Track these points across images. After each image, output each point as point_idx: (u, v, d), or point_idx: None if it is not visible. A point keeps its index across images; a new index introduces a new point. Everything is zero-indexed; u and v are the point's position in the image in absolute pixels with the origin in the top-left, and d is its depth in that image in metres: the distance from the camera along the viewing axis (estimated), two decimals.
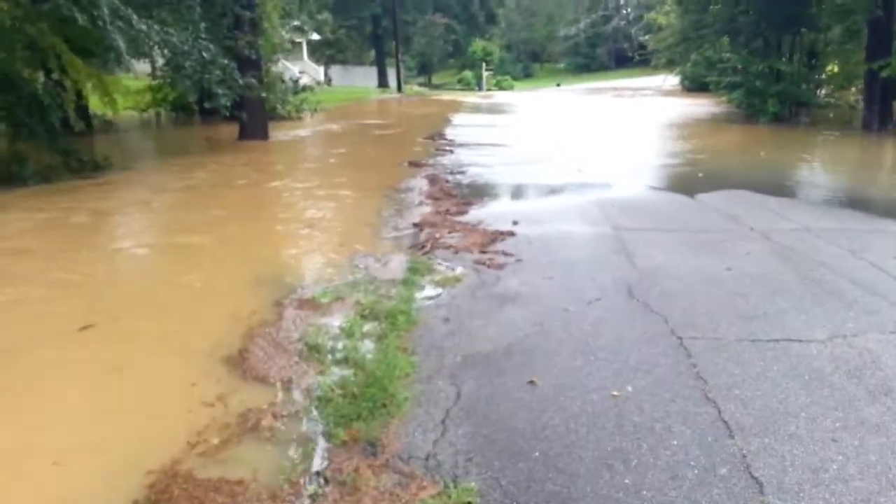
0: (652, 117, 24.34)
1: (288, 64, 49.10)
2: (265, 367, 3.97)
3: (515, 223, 7.64)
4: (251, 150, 14.47)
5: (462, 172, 11.51)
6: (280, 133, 17.72)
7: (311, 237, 7.34)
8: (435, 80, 63.48)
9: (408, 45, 60.29)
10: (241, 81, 13.03)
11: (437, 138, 16.74)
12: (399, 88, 44.36)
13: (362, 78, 56.04)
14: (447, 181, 10.63)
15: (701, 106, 28.82)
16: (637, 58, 70.63)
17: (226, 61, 12.69)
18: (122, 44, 9.71)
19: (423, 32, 58.04)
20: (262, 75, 15.75)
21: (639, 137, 17.92)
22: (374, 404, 3.42)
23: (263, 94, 14.24)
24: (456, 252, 6.43)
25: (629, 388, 3.67)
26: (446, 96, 40.18)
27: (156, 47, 11.16)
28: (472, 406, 3.48)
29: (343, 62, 57.84)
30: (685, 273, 5.77)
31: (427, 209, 8.49)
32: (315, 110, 20.28)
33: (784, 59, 22.20)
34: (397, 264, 6.07)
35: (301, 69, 50.84)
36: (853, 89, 24.05)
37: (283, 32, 20.69)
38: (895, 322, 4.65)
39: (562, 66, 73.61)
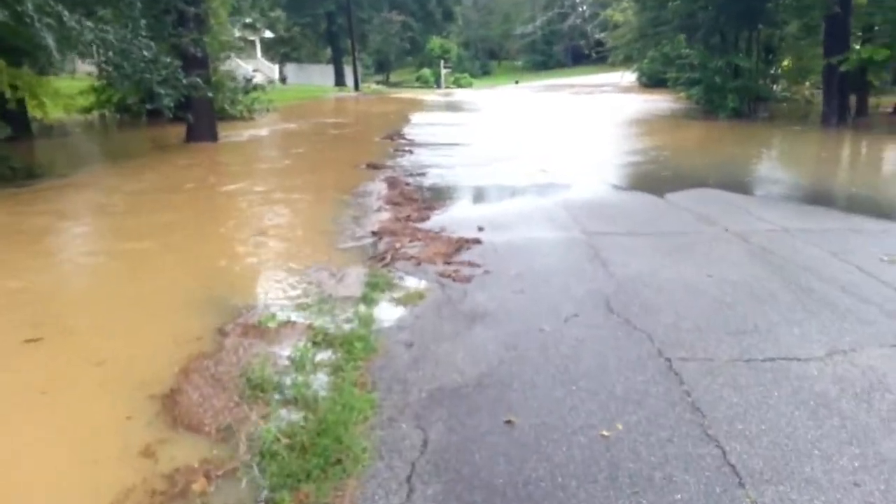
0: (612, 114, 24.20)
1: (241, 62, 48.07)
2: (200, 411, 3.41)
3: (480, 229, 7.18)
4: (198, 153, 13.72)
5: (422, 174, 11.01)
6: (231, 133, 16.96)
7: (261, 247, 6.74)
8: (393, 77, 62.80)
9: (364, 42, 59.51)
10: (184, 81, 12.27)
11: (396, 138, 16.19)
12: (356, 87, 43.59)
13: (319, 76, 55.08)
14: (407, 184, 10.11)
15: (659, 102, 28.88)
16: (594, 55, 71.54)
17: (168, 60, 11.93)
18: (51, 42, 8.92)
19: (379, 30, 57.32)
20: (208, 74, 14.97)
21: (601, 134, 17.66)
22: (326, 460, 2.90)
23: (210, 94, 13.45)
24: (418, 263, 5.93)
25: (619, 426, 3.22)
26: (405, 94, 39.60)
27: (92, 46, 10.33)
28: (442, 457, 2.98)
29: (298, 60, 56.74)
30: (664, 282, 5.37)
31: (386, 215, 7.96)
32: (267, 110, 19.46)
33: (741, 54, 22.25)
34: (354, 279, 5.54)
35: (255, 68, 49.76)
36: (808, 84, 24.31)
37: (234, 30, 19.82)
38: (895, 333, 4.32)
39: (519, 63, 73.68)
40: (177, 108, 14.98)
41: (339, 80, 51.45)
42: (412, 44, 60.31)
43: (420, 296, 5.09)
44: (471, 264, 5.89)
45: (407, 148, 14.31)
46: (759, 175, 11.75)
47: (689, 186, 9.87)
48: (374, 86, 54.33)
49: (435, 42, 59.83)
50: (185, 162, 12.68)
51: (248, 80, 20.38)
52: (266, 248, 6.71)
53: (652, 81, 36.59)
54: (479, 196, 9.48)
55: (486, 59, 78.33)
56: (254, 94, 19.68)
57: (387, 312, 4.80)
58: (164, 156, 13.54)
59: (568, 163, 12.55)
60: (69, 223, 8.04)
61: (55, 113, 17.15)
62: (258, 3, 35.85)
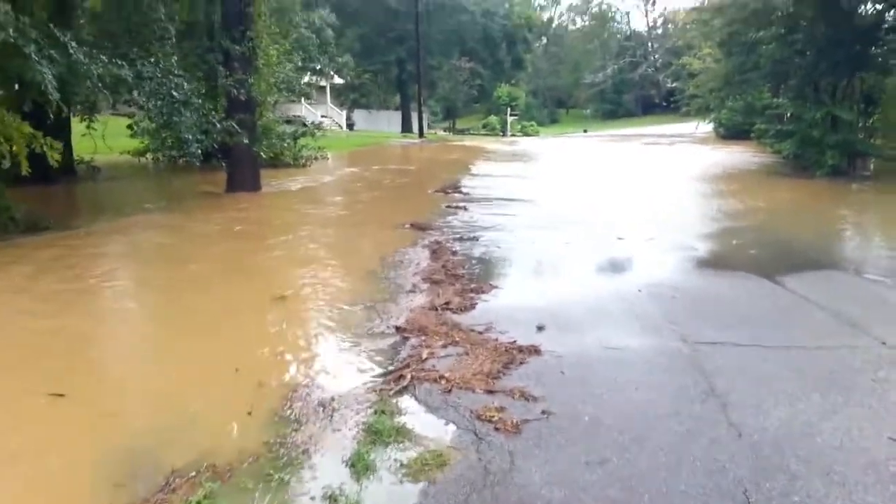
0: (691, 168, 22.02)
1: (309, 108, 48.39)
2: None
3: (540, 328, 5.37)
4: (233, 205, 12.42)
5: (474, 239, 9.29)
6: (278, 182, 15.76)
7: (241, 354, 5.10)
8: (460, 124, 62.14)
9: (433, 89, 59.28)
10: (218, 125, 11.04)
11: (451, 191, 14.60)
12: (421, 133, 42.72)
13: (386, 122, 54.91)
14: (454, 252, 8.40)
15: (742, 155, 26.45)
16: (665, 104, 69.59)
17: (199, 101, 10.72)
18: (49, 76, 7.72)
19: (447, 77, 56.93)
20: (253, 119, 13.80)
21: (682, 193, 15.59)
22: None
23: (246, 140, 12.21)
24: (448, 390, 4.15)
25: None
26: (469, 142, 38.36)
27: (107, 83, 9.19)
28: None
29: (366, 106, 56.79)
30: (830, 451, 3.41)
31: (420, 299, 6.24)
32: (316, 158, 18.23)
33: (839, 105, 19.89)
34: (352, 417, 3.80)
35: (323, 113, 50.04)
36: None
37: (291, 72, 18.86)
38: None
39: (587, 112, 72.12)
40: (218, 156, 14.04)
41: (406, 127, 50.93)
42: (480, 91, 59.65)
43: (441, 463, 3.29)
44: (524, 395, 4.08)
45: (461, 204, 12.66)
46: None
47: (807, 267, 7.81)
48: (440, 133, 53.64)
49: (503, 90, 58.94)
50: (216, 216, 11.37)
51: (304, 125, 19.19)
52: (245, 357, 5.00)
53: (730, 133, 34.30)
54: (539, 273, 7.64)
55: (554, 107, 77.26)
56: (303, 141, 18.52)
57: (381, 497, 3.01)
58: (196, 207, 12.30)
59: (648, 228, 10.61)
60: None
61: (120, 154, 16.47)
62: (327, 49, 35.59)
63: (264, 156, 15.56)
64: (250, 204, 12.76)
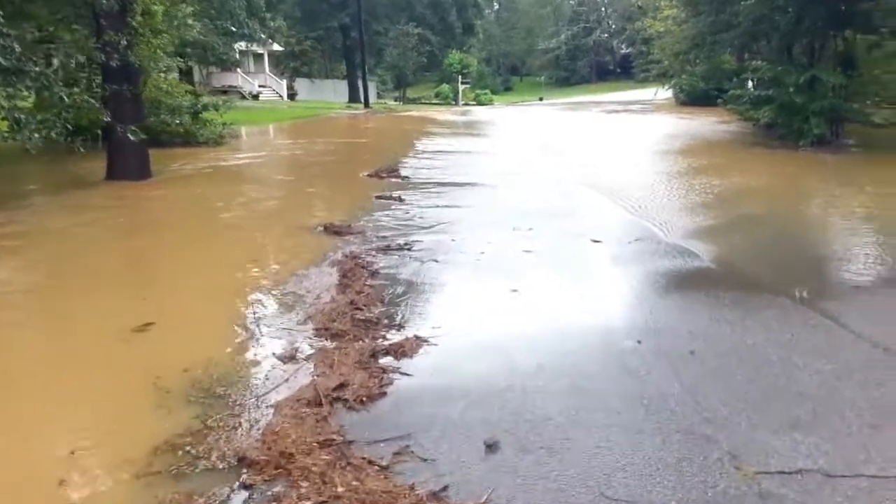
0: (659, 139, 19.94)
1: (246, 77, 44.91)
2: None
3: (491, 446, 3.10)
4: (94, 201, 9.77)
5: (405, 248, 6.93)
6: (178, 165, 13.08)
7: None
8: (412, 93, 59.12)
9: (380, 57, 56.17)
10: (66, 99, 8.35)
11: (387, 174, 12.16)
12: (366, 104, 39.81)
13: (332, 92, 51.80)
14: (373, 273, 6.04)
15: (709, 122, 24.51)
16: (619, 70, 67.81)
17: (37, 69, 8.01)
18: None
19: (395, 44, 53.67)
20: (133, 90, 11.06)
21: (657, 171, 13.44)
22: None
23: (106, 118, 9.54)
24: None
25: None
26: (418, 112, 35.75)
27: None
28: None
29: (309, 75, 53.38)
30: None
31: (298, 380, 3.88)
32: (220, 135, 15.39)
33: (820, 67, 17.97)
34: None
35: (262, 83, 46.63)
36: None
37: (200, 35, 15.95)
38: None
39: (542, 79, 69.89)
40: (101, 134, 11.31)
41: (353, 97, 47.83)
42: (430, 58, 56.61)
43: None
44: None
45: (397, 192, 10.25)
46: None
47: (860, 286, 5.71)
48: (390, 102, 50.74)
49: (454, 56, 56.10)
50: (65, 218, 8.75)
51: (199, 98, 16.19)
52: None
53: (691, 99, 32.45)
54: (489, 310, 5.30)
55: (508, 74, 74.85)
56: (209, 115, 15.66)
57: None
58: (51, 203, 9.60)
59: (627, 224, 8.44)
60: None
61: None
62: (257, 12, 32.23)
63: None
64: (123, 197, 10.12)
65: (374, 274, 6.03)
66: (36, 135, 7.92)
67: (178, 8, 12.76)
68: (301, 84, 51.32)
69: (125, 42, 10.30)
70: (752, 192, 10.88)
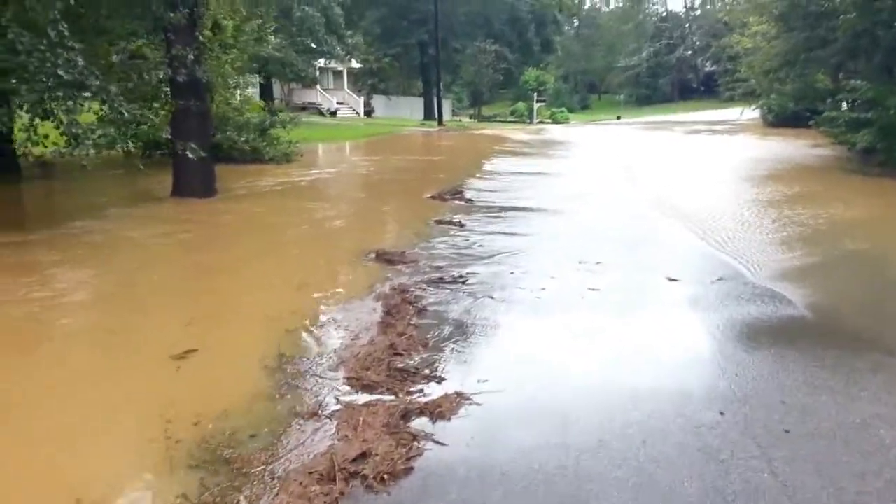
0: (743, 162, 18.69)
1: (325, 94, 45.68)
2: None
3: None
4: (159, 219, 9.70)
5: (459, 281, 6.38)
6: (246, 182, 13.02)
7: None
8: (487, 111, 58.94)
9: (456, 74, 56.20)
10: (126, 114, 8.26)
11: (450, 196, 11.69)
12: (440, 121, 39.70)
13: (408, 109, 52.14)
14: (420, 310, 5.51)
15: (798, 145, 22.95)
16: (703, 89, 65.46)
17: (98, 82, 7.95)
18: None
19: (471, 61, 53.52)
20: (202, 105, 11.03)
21: (741, 198, 12.38)
22: None
23: (166, 135, 9.52)
24: None
25: None
26: (491, 130, 35.30)
27: None
28: None
29: (386, 92, 53.94)
30: None
31: (316, 444, 3.39)
32: (287, 153, 15.28)
33: None
34: None
35: (340, 100, 47.32)
36: None
37: (275, 51, 16.02)
38: None
39: (621, 97, 68.34)
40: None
41: (429, 114, 47.88)
42: (507, 75, 56.26)
43: None
44: None
45: (458, 216, 9.74)
46: None
47: None
48: (464, 120, 50.60)
49: (530, 74, 55.55)
50: (133, 233, 8.68)
51: (273, 115, 16.16)
52: None
53: (779, 120, 30.75)
54: (544, 363, 4.64)
55: (586, 92, 73.60)
56: (277, 132, 15.61)
57: None
58: (115, 219, 9.57)
59: (708, 259, 7.63)
60: None
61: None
62: (336, 29, 32.70)
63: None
64: (180, 214, 10.01)
65: (421, 311, 5.51)
66: (92, 151, 7.83)
67: (250, 24, 12.75)
68: (378, 101, 51.85)
69: (192, 57, 10.24)
70: (851, 226, 9.78)
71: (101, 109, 8.46)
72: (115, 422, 3.68)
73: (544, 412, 3.80)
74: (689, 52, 69.10)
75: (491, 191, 12.73)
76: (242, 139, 13.25)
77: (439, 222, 9.34)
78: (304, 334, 4.97)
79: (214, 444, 3.36)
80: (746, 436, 3.55)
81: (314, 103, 43.82)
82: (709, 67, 65.40)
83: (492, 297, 5.92)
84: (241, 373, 4.33)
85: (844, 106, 19.81)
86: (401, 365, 4.36)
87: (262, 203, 11.42)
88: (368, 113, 47.41)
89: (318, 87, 44.15)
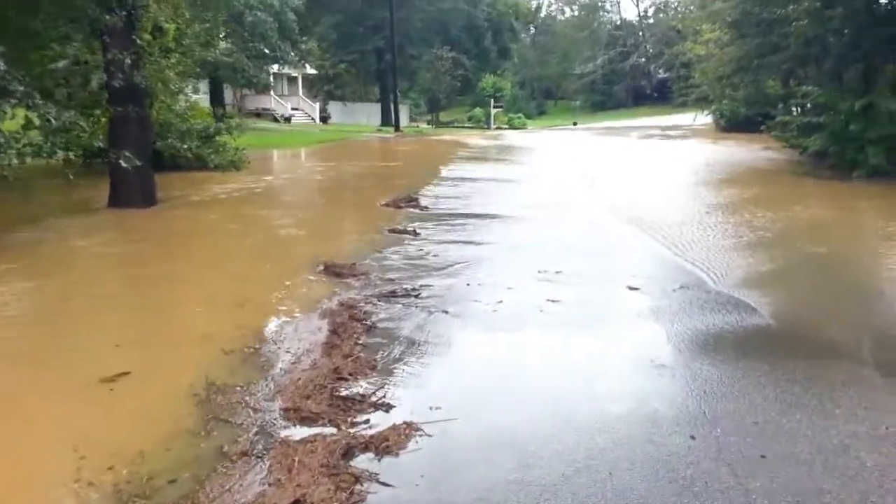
0: (698, 167, 18.75)
1: (279, 100, 44.85)
2: None
3: None
4: (87, 231, 9.09)
5: (412, 295, 6.01)
6: (190, 191, 12.42)
7: None
8: (445, 117, 58.60)
9: (413, 80, 55.87)
10: (54, 122, 7.67)
11: (405, 204, 11.31)
12: (397, 127, 39.31)
13: (365, 116, 51.55)
14: (370, 328, 5.13)
15: (751, 150, 23.24)
16: (656, 95, 66.46)
17: (21, 87, 7.36)
18: None
19: (429, 67, 53.23)
20: (140, 111, 10.44)
21: (697, 202, 12.30)
22: None
23: (99, 144, 8.96)
24: None
25: None
26: (449, 136, 35.06)
27: None
28: None
29: (342, 98, 53.27)
30: None
31: (246, 490, 2.98)
32: (233, 161, 14.68)
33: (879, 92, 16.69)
34: None
35: (294, 105, 46.52)
36: None
37: (223, 55, 15.42)
38: None
39: (577, 103, 68.90)
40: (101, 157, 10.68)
41: (386, 120, 47.38)
42: (464, 82, 56.10)
43: None
44: None
45: (413, 225, 9.37)
46: None
47: None
48: (422, 125, 50.27)
49: (487, 80, 55.58)
50: (63, 246, 8.09)
51: (219, 121, 15.53)
52: None
53: (731, 125, 31.29)
54: (498, 387, 4.30)
55: (543, 98, 74.04)
56: (224, 139, 14.97)
57: None
58: (51, 232, 8.92)
59: (669, 265, 7.43)
60: None
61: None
62: (289, 35, 32.02)
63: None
64: (117, 226, 9.44)
65: (370, 329, 5.12)
66: (15, 161, 7.23)
67: (193, 27, 12.18)
68: (334, 107, 51.20)
69: (129, 61, 9.66)
70: (808, 230, 9.73)
71: (26, 116, 7.85)
72: (26, 455, 3.25)
73: (502, 442, 3.46)
74: (643, 60, 70.04)
75: (448, 197, 12.41)
76: (185, 146, 12.62)
77: (393, 231, 8.96)
78: (240, 357, 4.54)
79: (126, 497, 2.92)
80: (720, 463, 3.26)
81: (268, 109, 43.04)
82: (662, 74, 66.40)
83: (446, 312, 5.57)
84: (167, 403, 3.89)
85: (795, 111, 20.14)
86: (345, 392, 3.97)
87: (205, 213, 10.88)
88: (324, 119, 46.73)
89: (271, 92, 43.37)
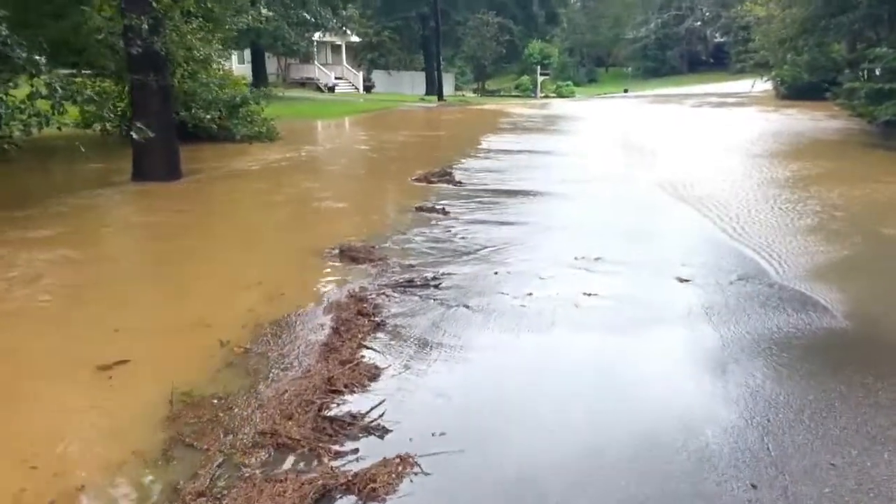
0: (759, 138, 17.45)
1: (323, 69, 44.33)
2: None
3: None
4: (108, 206, 8.72)
5: (430, 286, 5.38)
6: (219, 163, 12.00)
7: None
8: (491, 85, 57.31)
9: (458, 47, 54.65)
10: (60, 90, 7.21)
11: (439, 178, 10.62)
12: (440, 96, 38.37)
13: (409, 85, 50.76)
14: (378, 325, 4.54)
15: (814, 119, 21.72)
16: (712, 61, 63.60)
17: (25, 54, 6.91)
18: None
19: (474, 33, 51.87)
20: (161, 80, 9.97)
21: (760, 179, 11.24)
22: None
23: (105, 113, 8.53)
24: None
25: None
26: (492, 105, 34.01)
27: None
28: None
29: (386, 67, 52.42)
30: None
31: None
32: (262, 131, 14.11)
33: None
34: None
35: (338, 75, 45.93)
36: None
37: (251, 22, 14.83)
38: None
39: (628, 70, 66.49)
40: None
41: (431, 89, 46.40)
42: (510, 49, 54.58)
43: None
44: None
45: (443, 202, 8.71)
46: None
47: None
48: (467, 94, 49.18)
49: (534, 46, 53.91)
50: (80, 224, 7.71)
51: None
52: None
53: (792, 92, 29.47)
54: (517, 408, 3.65)
55: (593, 65, 71.69)
56: (253, 108, 14.41)
57: None
58: (69, 209, 8.56)
59: (723, 252, 6.62)
60: None
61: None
62: (329, 1, 31.30)
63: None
64: (138, 201, 9.05)
65: (378, 326, 4.53)
66: (17, 132, 6.81)
67: None
68: (378, 76, 50.44)
69: (146, 26, 9.16)
70: (884, 209, 8.71)
71: (33, 84, 7.42)
72: None
73: (516, 486, 2.83)
74: (699, 23, 66.99)
75: (484, 171, 11.68)
76: (208, 117, 12.13)
77: (420, 209, 8.31)
78: (226, 359, 4.00)
79: None
80: None
81: (312, 79, 42.54)
82: (718, 38, 63.56)
83: (467, 307, 4.92)
84: (131, 420, 3.37)
85: (862, 77, 18.61)
86: (335, 410, 3.39)
87: (229, 188, 10.42)
88: (368, 88, 46.05)
89: (315, 61, 42.87)
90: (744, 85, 35.91)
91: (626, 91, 49.80)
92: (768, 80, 31.81)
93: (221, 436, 3.16)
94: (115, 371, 3.84)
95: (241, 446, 3.08)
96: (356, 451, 3.06)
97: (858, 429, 3.31)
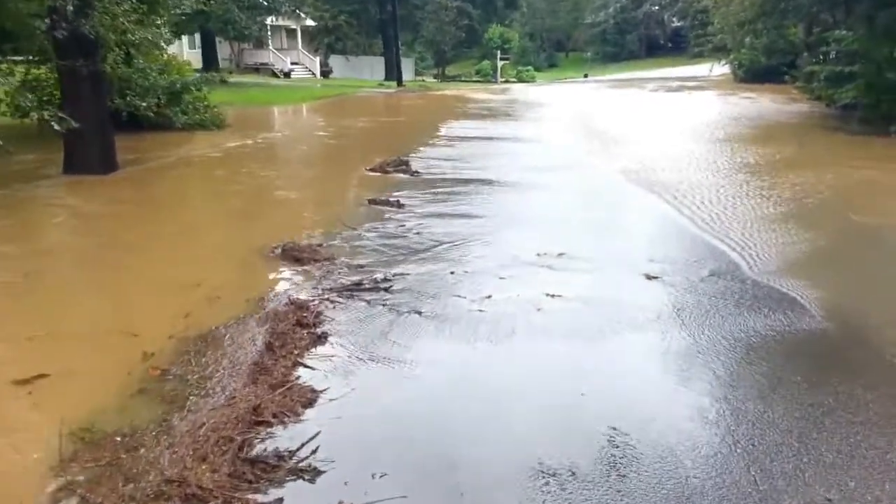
0: (721, 122, 17.29)
1: (277, 54, 43.11)
2: None
3: None
4: (31, 202, 7.99)
5: (380, 289, 4.90)
6: (159, 154, 11.25)
7: None
8: (452, 70, 56.56)
9: (417, 31, 53.82)
10: None
11: (394, 168, 10.11)
12: (399, 82, 37.59)
13: (368, 70, 49.60)
14: (317, 338, 4.05)
15: (773, 102, 21.71)
16: (670, 45, 63.96)
17: None
18: None
19: (432, 17, 51.10)
20: (91, 65, 9.21)
21: (726, 165, 10.98)
22: None
23: (28, 100, 7.82)
24: None
25: None
26: (452, 90, 33.46)
27: None
28: None
29: (343, 52, 51.27)
30: None
31: None
32: (205, 119, 13.35)
33: None
34: None
35: (294, 60, 44.72)
36: None
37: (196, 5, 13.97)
38: None
39: (588, 55, 66.47)
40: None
41: (390, 75, 45.46)
42: (469, 33, 53.94)
43: None
44: None
45: (398, 193, 8.20)
46: None
47: None
48: (426, 80, 48.40)
49: (494, 31, 53.35)
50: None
51: (203, 74, 14.02)
52: None
53: (750, 75, 29.63)
54: (472, 442, 3.23)
55: (553, 50, 71.58)
56: (196, 95, 13.57)
57: None
58: None
59: (691, 245, 6.27)
60: None
61: None
62: None
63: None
64: (65, 197, 8.33)
65: (318, 339, 4.04)
66: None
67: None
68: (336, 61, 49.24)
69: (71, 7, 8.39)
70: (855, 196, 8.48)
71: None
72: None
73: None
74: (656, 7, 67.28)
75: (442, 160, 11.19)
76: (144, 104, 11.33)
77: (373, 202, 7.79)
78: (138, 384, 3.47)
79: None
80: None
81: (267, 64, 41.36)
82: (676, 23, 64.05)
83: (419, 313, 4.46)
84: (15, 465, 2.83)
85: (820, 60, 18.62)
86: (257, 449, 2.89)
87: (168, 180, 9.75)
88: (325, 74, 44.92)
89: (269, 46, 41.67)
90: (702, 69, 36.09)
91: (586, 76, 49.66)
92: (726, 63, 31.97)
93: (120, 485, 2.65)
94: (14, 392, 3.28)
95: (141, 498, 2.57)
96: (280, 501, 2.58)
97: (853, 452, 2.96)
